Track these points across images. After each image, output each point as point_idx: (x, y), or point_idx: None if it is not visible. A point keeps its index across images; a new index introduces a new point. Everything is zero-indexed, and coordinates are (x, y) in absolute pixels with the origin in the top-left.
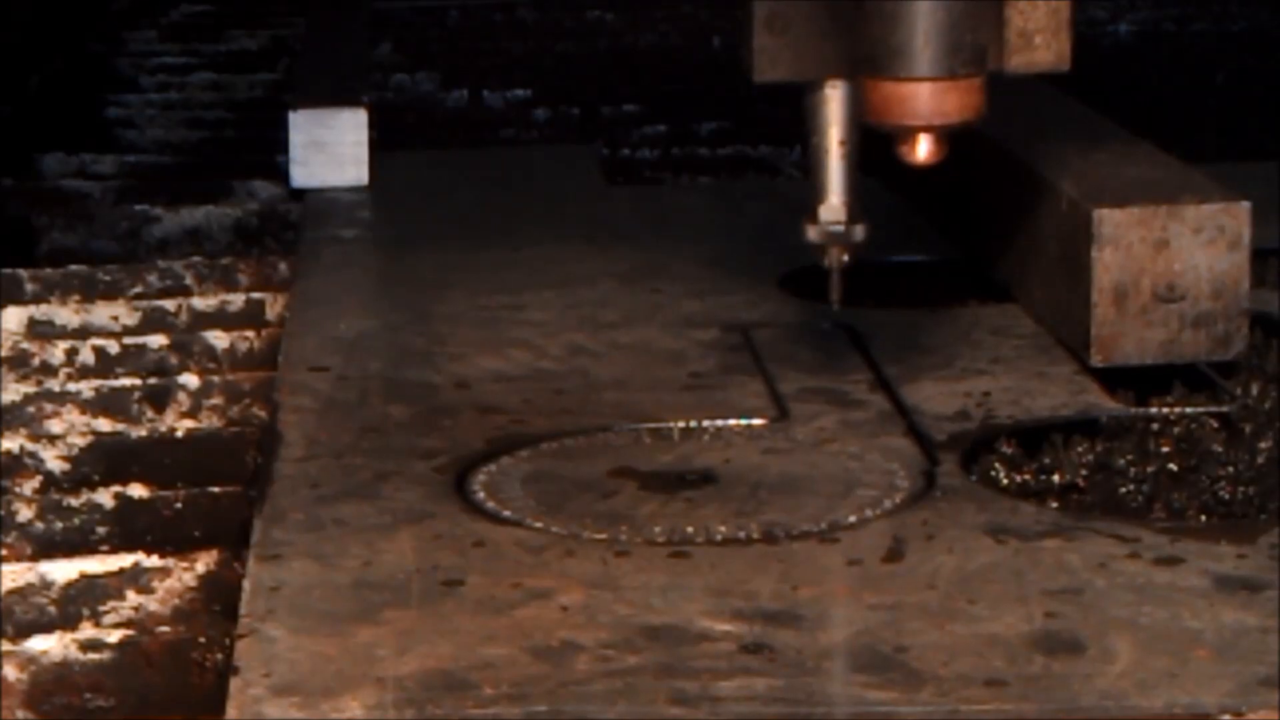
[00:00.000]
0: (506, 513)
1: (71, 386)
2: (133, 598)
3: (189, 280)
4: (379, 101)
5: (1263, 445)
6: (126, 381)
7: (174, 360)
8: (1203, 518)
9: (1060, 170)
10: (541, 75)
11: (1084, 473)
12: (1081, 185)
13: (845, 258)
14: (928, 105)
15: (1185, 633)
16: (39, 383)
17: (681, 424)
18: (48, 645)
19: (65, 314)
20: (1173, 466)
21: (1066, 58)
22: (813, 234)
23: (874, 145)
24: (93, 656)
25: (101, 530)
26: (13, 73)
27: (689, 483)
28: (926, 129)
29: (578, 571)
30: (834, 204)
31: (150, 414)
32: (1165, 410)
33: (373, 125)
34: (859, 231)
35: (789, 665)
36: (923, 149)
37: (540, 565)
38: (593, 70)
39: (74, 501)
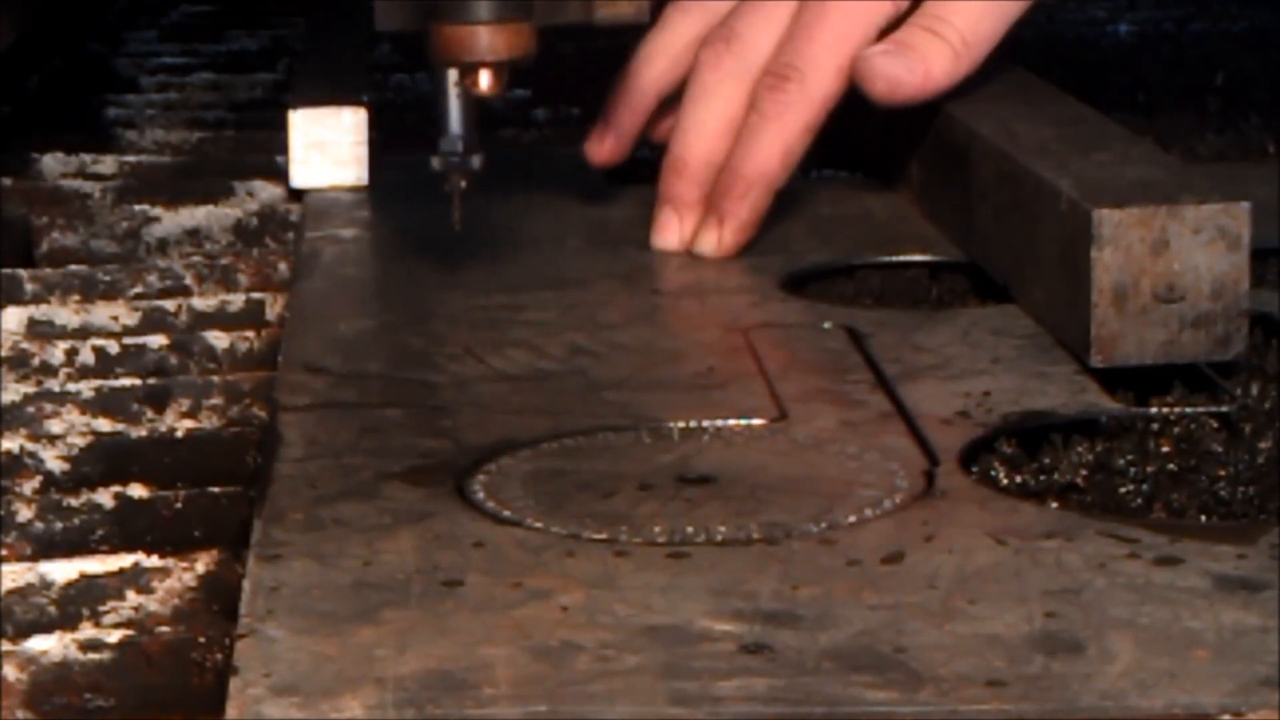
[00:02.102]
0: (506, 513)
1: (71, 386)
2: (133, 598)
3: (189, 280)
4: (379, 101)
5: (1263, 445)
6: (126, 381)
7: (174, 360)
8: (1203, 518)
9: (1060, 170)
10: (541, 75)
11: (1084, 473)
12: (1081, 185)
13: (463, 184)
14: (483, 44)
15: (1185, 633)
16: (39, 383)
17: (681, 424)
18: (48, 645)
19: (65, 314)
20: (1173, 466)
21: (645, 11)
22: (436, 163)
23: (875, 148)
24: (93, 656)
25: (101, 530)
26: (13, 73)
27: (689, 483)
28: (484, 65)
29: (578, 571)
30: (452, 135)
31: (150, 414)
32: (1165, 410)
33: (373, 125)
34: (476, 160)
35: (789, 665)
36: (484, 82)
37: (540, 565)
38: (593, 70)
39: (74, 501)
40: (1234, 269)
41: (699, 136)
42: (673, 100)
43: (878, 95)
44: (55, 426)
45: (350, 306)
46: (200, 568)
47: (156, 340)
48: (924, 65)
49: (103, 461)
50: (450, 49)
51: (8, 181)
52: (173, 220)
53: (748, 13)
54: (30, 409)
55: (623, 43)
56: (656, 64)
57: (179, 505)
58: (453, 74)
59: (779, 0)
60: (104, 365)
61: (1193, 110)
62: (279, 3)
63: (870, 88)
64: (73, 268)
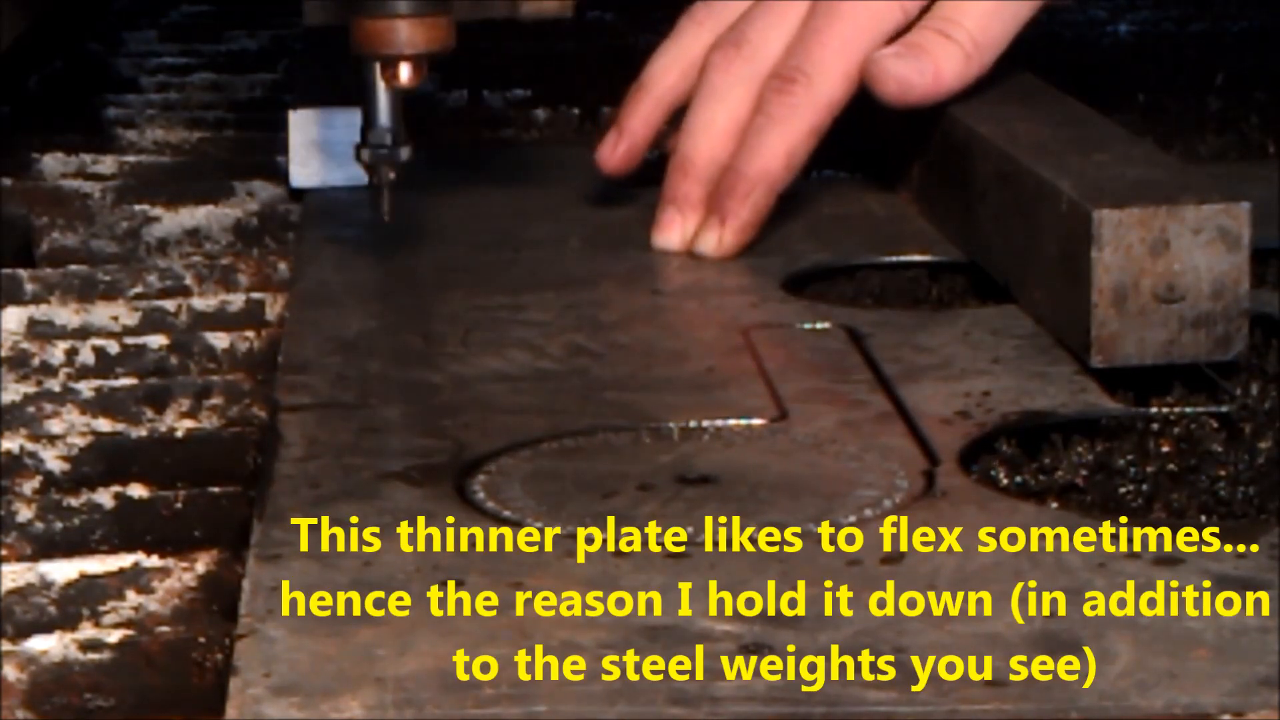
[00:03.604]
0: (506, 513)
1: (72, 386)
2: (133, 598)
3: (189, 280)
4: None
5: (1263, 445)
6: (126, 381)
7: (174, 360)
8: (1203, 518)
9: (1060, 170)
10: (541, 75)
11: (1084, 473)
12: (1081, 185)
13: (392, 175)
14: (402, 38)
15: (1185, 633)
16: (39, 383)
17: (681, 424)
18: (48, 645)
19: (65, 314)
20: (1173, 466)
21: (569, 8)
22: (365, 155)
23: (875, 148)
24: (93, 656)
25: (101, 530)
26: (13, 73)
27: (689, 483)
28: (403, 58)
29: (578, 571)
30: (380, 127)
31: (150, 414)
32: (1165, 410)
33: None
34: (404, 152)
35: (789, 665)
36: (404, 74)
37: (540, 565)
38: (593, 70)
39: (74, 501)
40: (1234, 269)
41: (706, 137)
42: (685, 110)
43: (888, 97)
44: (55, 426)
45: (350, 306)
46: (200, 568)
47: (156, 340)
48: (934, 67)
49: (103, 461)
50: (370, 42)
51: (8, 181)
52: (173, 220)
53: (758, 16)
54: (30, 409)
55: (624, 44)
56: (669, 74)
57: (179, 505)
58: (378, 67)
59: (789, 3)
60: (104, 365)
61: (1193, 110)
62: (279, 3)
63: (881, 89)
64: (73, 268)
